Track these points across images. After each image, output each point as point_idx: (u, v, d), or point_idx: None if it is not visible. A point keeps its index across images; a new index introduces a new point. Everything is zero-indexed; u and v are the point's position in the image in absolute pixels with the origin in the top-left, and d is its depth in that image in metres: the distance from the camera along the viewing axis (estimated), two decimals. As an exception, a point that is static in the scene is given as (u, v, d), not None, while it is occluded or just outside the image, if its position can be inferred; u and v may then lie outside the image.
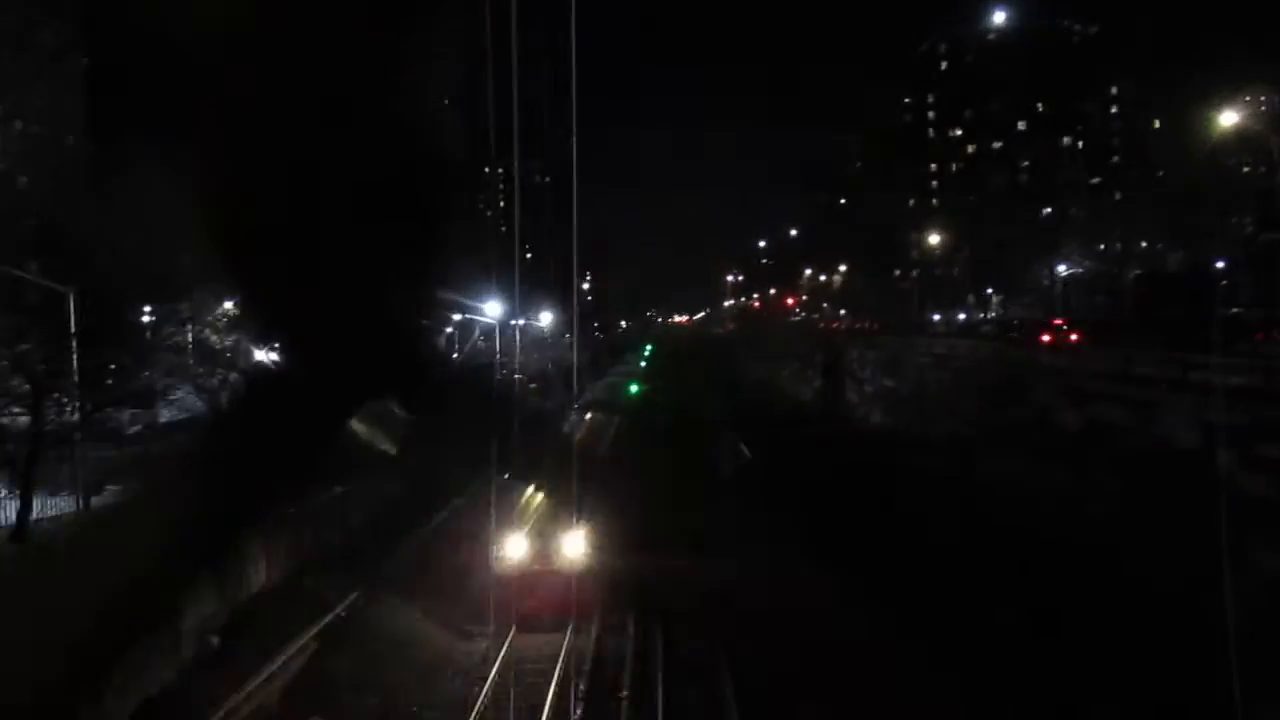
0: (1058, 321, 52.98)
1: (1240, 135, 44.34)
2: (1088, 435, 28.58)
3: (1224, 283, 52.13)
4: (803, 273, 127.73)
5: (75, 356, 22.84)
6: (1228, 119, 41.95)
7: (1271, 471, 20.00)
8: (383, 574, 23.64)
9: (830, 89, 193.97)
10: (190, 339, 28.76)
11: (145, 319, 28.99)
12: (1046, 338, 47.35)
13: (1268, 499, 19.26)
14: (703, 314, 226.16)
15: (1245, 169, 58.26)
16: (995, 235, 72.27)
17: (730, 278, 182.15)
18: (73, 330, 22.70)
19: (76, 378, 23.03)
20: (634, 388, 41.27)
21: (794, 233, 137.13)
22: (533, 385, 64.47)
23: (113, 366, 26.07)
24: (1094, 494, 26.31)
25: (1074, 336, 46.49)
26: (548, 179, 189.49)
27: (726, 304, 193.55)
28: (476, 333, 76.42)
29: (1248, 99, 45.30)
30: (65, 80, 34.58)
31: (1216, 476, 18.70)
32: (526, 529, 22.21)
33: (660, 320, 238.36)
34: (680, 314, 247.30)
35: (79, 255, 22.89)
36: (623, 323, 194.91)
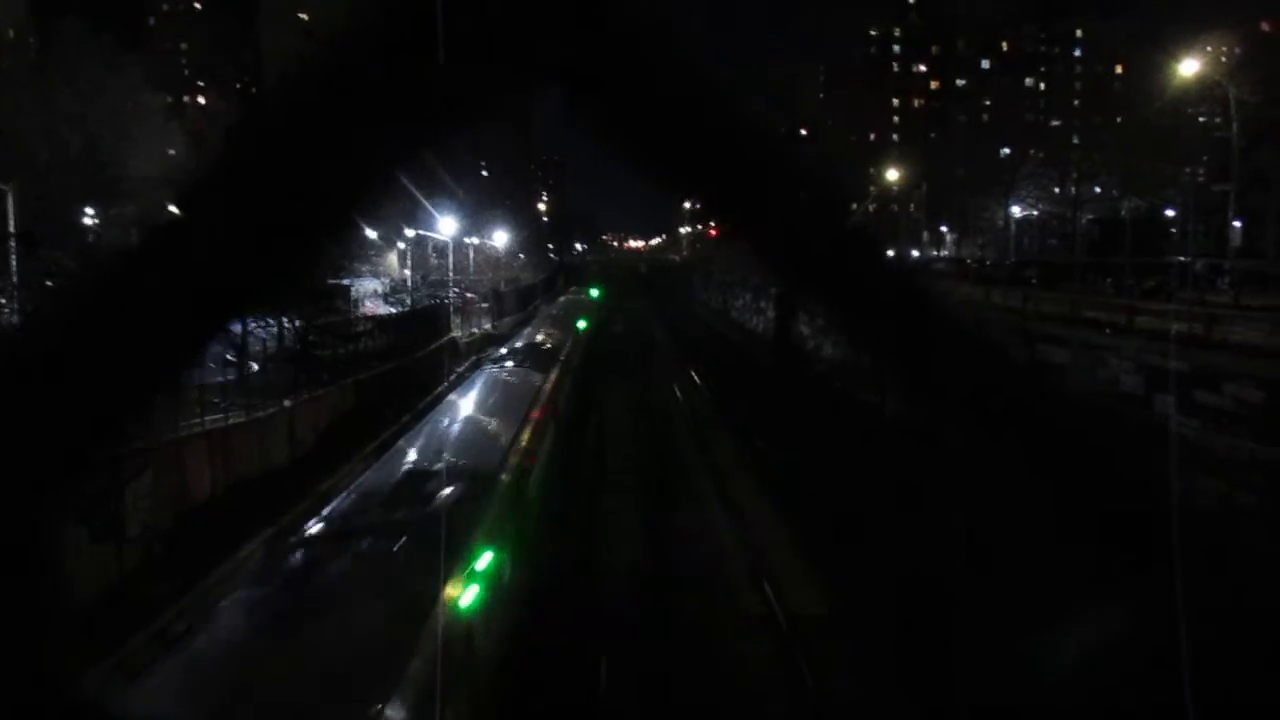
0: None
1: (1200, 85, 44.42)
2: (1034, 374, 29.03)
3: (1173, 231, 52.98)
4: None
5: (15, 257, 22.16)
6: (1188, 67, 41.86)
7: (1203, 417, 20.53)
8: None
9: (794, 17, 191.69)
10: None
11: (89, 221, 28.11)
12: None
13: (1196, 443, 19.80)
14: (659, 239, 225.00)
15: (1201, 119, 58.72)
16: (953, 174, 72.44)
17: (687, 203, 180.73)
18: (11, 230, 22.00)
19: (15, 278, 22.37)
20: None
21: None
22: (484, 305, 64.53)
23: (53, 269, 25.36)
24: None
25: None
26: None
27: (683, 230, 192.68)
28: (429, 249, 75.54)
29: (1209, 48, 45.23)
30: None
31: (1155, 420, 19.18)
32: None
33: (616, 245, 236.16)
34: (636, 239, 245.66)
35: (18, 151, 22.05)
36: (577, 245, 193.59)
